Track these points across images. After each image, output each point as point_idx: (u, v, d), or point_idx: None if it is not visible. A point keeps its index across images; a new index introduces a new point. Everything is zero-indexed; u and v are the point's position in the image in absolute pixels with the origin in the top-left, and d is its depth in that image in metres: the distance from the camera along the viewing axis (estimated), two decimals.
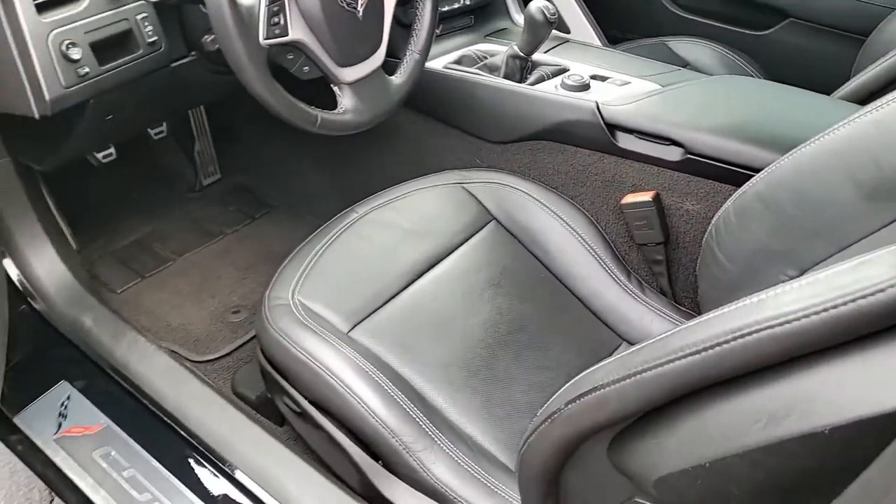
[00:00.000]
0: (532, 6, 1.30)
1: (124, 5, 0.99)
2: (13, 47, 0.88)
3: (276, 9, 0.93)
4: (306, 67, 1.02)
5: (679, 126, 1.14)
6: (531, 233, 1.25)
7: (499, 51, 1.45)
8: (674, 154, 1.15)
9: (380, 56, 1.10)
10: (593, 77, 1.32)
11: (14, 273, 1.19)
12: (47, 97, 0.90)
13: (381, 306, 1.07)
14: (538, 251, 1.24)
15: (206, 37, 1.08)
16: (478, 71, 1.37)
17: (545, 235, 1.25)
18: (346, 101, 1.06)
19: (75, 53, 0.92)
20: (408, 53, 1.17)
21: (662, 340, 0.46)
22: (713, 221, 0.97)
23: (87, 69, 0.94)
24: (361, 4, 1.03)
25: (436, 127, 1.43)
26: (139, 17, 1.00)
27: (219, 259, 1.57)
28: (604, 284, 1.20)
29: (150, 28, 1.02)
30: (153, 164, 1.73)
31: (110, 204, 1.64)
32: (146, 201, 1.69)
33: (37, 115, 0.91)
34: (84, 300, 1.21)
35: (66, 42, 0.91)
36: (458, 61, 1.42)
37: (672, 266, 1.20)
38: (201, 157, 1.75)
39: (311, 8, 0.97)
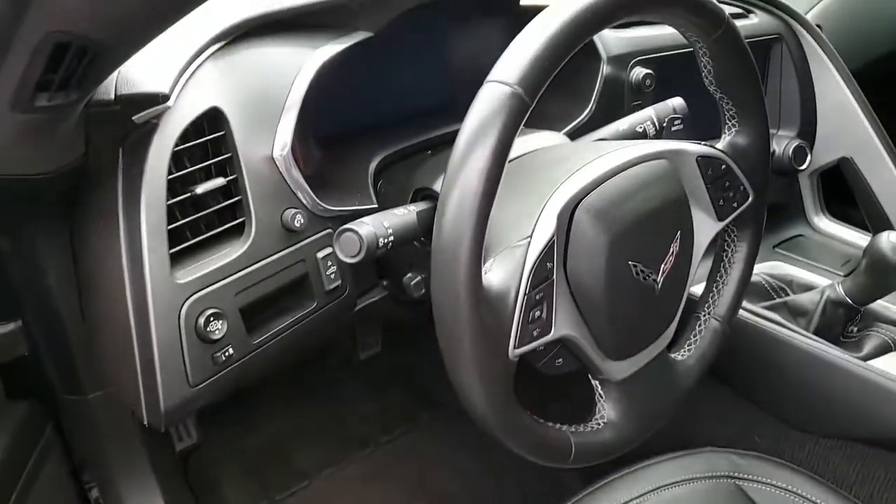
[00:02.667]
0: (884, 239, 0.85)
1: (303, 240, 0.65)
2: (132, 320, 0.57)
3: (538, 296, 0.55)
4: (559, 360, 0.64)
5: None
6: None
7: (801, 279, 1.00)
8: None
9: (668, 336, 0.69)
10: None
11: None
12: (163, 408, 0.57)
13: None
14: None
15: (410, 275, 0.72)
16: (773, 316, 0.93)
17: None
18: (609, 406, 0.66)
19: (217, 330, 0.58)
20: (702, 317, 0.76)
21: None
22: None
23: (230, 350, 0.60)
24: (664, 272, 0.63)
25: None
26: (321, 255, 0.66)
27: (365, 488, 1.20)
28: None
29: (332, 269, 0.67)
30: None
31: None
32: (287, 377, 1.37)
33: (145, 422, 0.58)
34: None
35: (208, 314, 0.58)
36: None
37: None
38: (363, 324, 1.42)
39: (590, 287, 0.58)
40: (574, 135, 0.85)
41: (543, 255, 0.56)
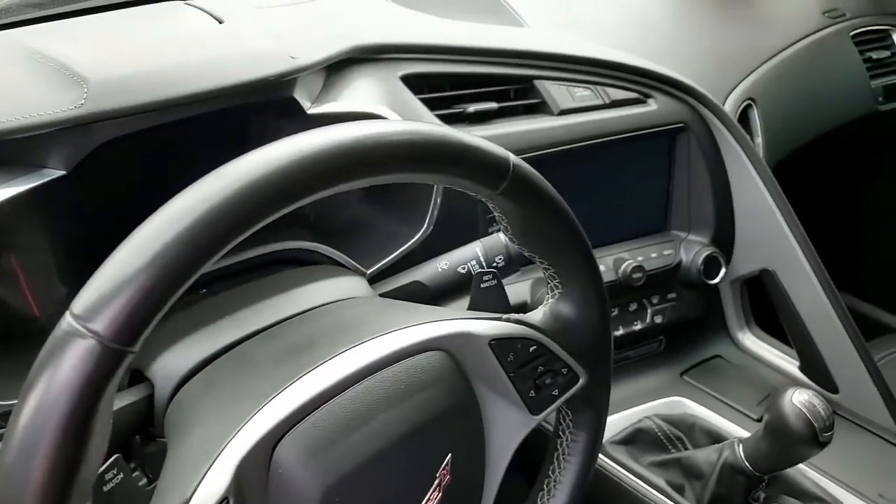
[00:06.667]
0: (787, 401, 0.67)
1: None
2: None
3: None
4: None
5: None
6: None
7: (705, 422, 0.82)
8: None
9: None
10: None
11: None
12: None
13: None
14: None
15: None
16: (658, 482, 0.75)
17: None
18: None
19: None
20: None
21: None
22: None
23: None
24: None
25: None
26: None
27: None
28: None
29: None
30: None
31: None
32: None
33: None
34: None
35: None
36: (630, 439, 0.81)
37: None
38: None
39: None
40: (392, 269, 0.68)
41: None
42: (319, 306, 0.56)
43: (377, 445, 0.44)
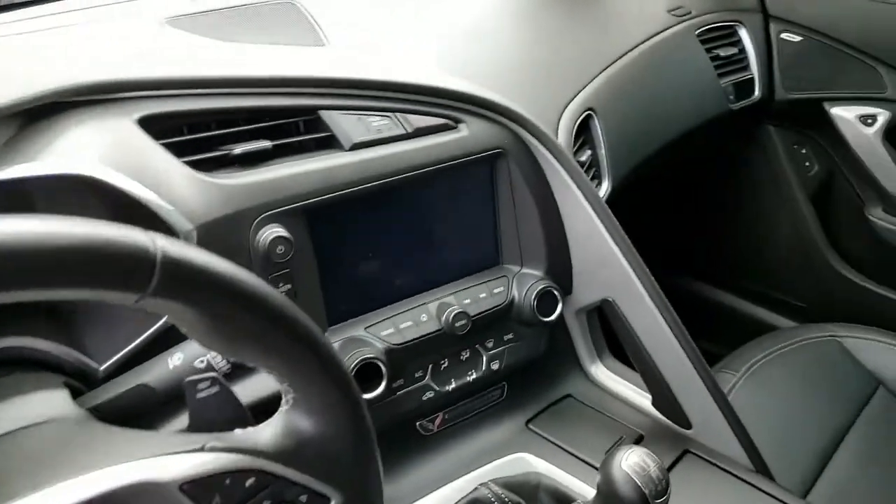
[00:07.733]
0: (616, 466, 0.58)
1: None
2: None
3: None
4: None
5: None
6: None
7: (550, 481, 0.73)
8: None
9: None
10: None
11: None
12: None
13: None
14: None
15: None
16: None
17: None
18: None
19: None
20: None
21: None
22: None
23: None
24: None
25: None
26: None
27: None
28: None
29: None
30: None
31: None
32: None
33: None
34: None
35: None
36: None
37: None
38: None
39: None
40: (134, 363, 0.56)
41: None
42: None
43: None
